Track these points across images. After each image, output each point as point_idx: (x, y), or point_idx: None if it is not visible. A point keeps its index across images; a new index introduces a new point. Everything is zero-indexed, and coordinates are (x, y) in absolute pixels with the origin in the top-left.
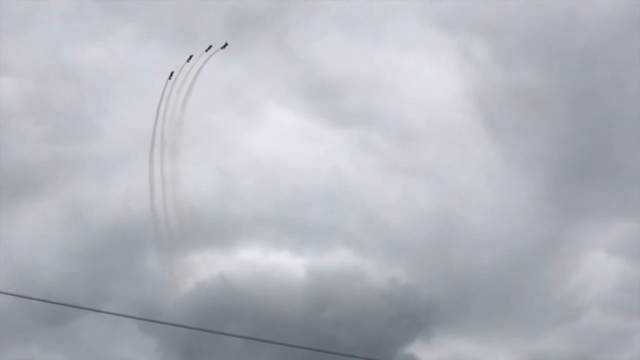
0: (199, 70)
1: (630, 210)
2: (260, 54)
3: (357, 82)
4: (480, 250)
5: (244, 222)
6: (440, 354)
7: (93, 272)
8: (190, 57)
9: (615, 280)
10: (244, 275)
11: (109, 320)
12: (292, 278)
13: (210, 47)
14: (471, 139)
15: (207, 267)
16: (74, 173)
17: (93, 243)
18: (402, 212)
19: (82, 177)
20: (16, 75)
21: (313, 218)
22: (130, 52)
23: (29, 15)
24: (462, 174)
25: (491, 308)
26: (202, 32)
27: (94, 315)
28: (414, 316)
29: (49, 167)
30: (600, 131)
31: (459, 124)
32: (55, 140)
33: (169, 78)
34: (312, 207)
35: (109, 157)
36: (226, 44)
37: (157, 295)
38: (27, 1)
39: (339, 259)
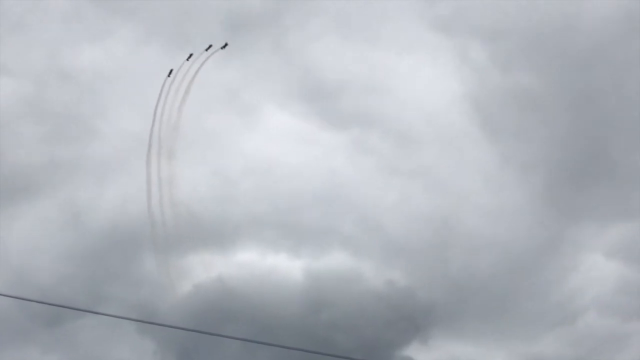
0: (198, 70)
1: (628, 213)
2: (258, 56)
3: (354, 84)
4: (477, 252)
5: (241, 224)
6: (437, 356)
7: (91, 274)
8: (190, 55)
9: (612, 283)
10: (241, 278)
11: (107, 322)
12: (289, 280)
13: (210, 46)
14: (469, 141)
15: (205, 269)
16: (71, 175)
17: (91, 245)
18: (399, 215)
19: (80, 179)
20: (14, 77)
21: (310, 220)
22: (128, 54)
23: (27, 16)
24: (459, 176)
25: (489, 310)
26: (200, 34)
27: (91, 317)
28: (411, 318)
29: (46, 168)
30: (598, 134)
31: (457, 127)
32: (53, 142)
33: (168, 76)
34: (309, 209)
35: (107, 159)
36: (226, 44)
37: (155, 297)
38: (25, 2)
39: (336, 261)
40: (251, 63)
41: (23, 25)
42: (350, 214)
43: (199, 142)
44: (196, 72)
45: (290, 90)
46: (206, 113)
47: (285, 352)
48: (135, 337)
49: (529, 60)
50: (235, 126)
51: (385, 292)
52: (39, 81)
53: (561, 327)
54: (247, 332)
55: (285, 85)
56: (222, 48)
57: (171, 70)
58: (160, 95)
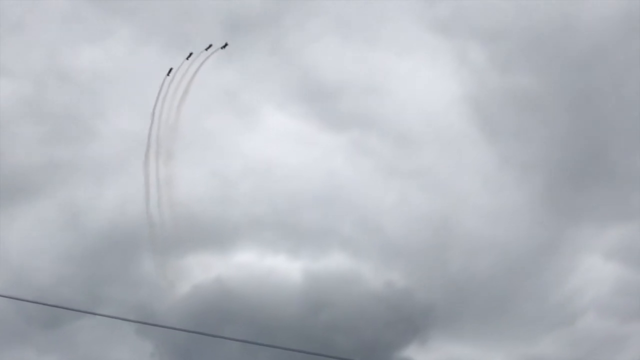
0: (198, 70)
1: (627, 214)
2: (257, 57)
3: (353, 85)
4: (476, 253)
5: (240, 225)
6: (436, 357)
7: (89, 275)
8: (190, 54)
9: (611, 284)
10: (240, 279)
11: (105, 323)
12: (288, 281)
13: (210, 45)
14: (468, 142)
15: (204, 270)
16: (70, 176)
17: (89, 246)
18: (398, 216)
19: (79, 180)
20: (13, 78)
21: (309, 221)
22: (127, 55)
23: (26, 17)
24: (458, 177)
25: (487, 311)
26: (199, 34)
27: (90, 318)
28: (410, 319)
29: (45, 169)
30: (597, 135)
31: (456, 127)
32: (52, 143)
33: (167, 74)
34: (308, 211)
35: (106, 159)
36: (226, 44)
37: (153, 298)
38: (24, 3)
39: (335, 262)
40: (250, 64)
41: (22, 26)
42: (350, 215)
43: (198, 143)
44: (195, 72)
45: (289, 91)
46: (205, 113)
47: (285, 353)
48: (134, 338)
49: (528, 61)
50: (234, 127)
51: (385, 293)
52: (38, 81)
53: (560, 328)
54: (246, 333)
55: (285, 86)
56: (222, 48)
57: (170, 69)
58: (158, 95)
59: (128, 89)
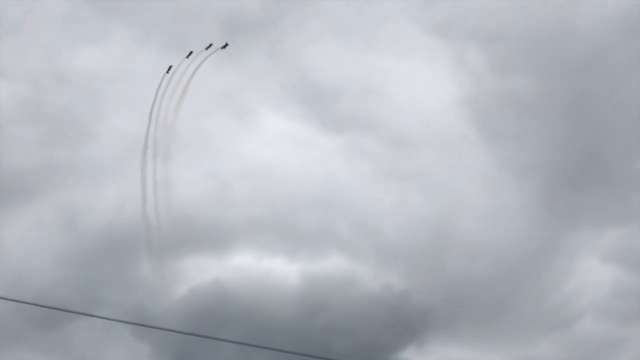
0: (197, 69)
1: (624, 217)
2: (255, 58)
3: (351, 87)
4: (474, 256)
5: (237, 227)
6: None
7: (86, 276)
8: (190, 53)
9: (608, 287)
10: (237, 281)
11: (102, 325)
12: (285, 284)
13: (210, 45)
14: (466, 145)
15: (200, 273)
16: (67, 177)
17: (86, 248)
18: (396, 218)
19: (76, 181)
20: (11, 79)
21: (307, 224)
22: (125, 56)
23: (24, 18)
24: (456, 180)
25: (485, 314)
26: (197, 36)
27: (87, 320)
28: (407, 322)
29: (43, 171)
30: (594, 138)
31: (454, 130)
32: (50, 144)
33: (167, 72)
34: (305, 213)
35: (103, 161)
36: (227, 44)
37: (150, 300)
38: (22, 4)
39: (332, 264)
40: (248, 65)
41: (21, 27)
42: (347, 217)
43: (195, 145)
44: (194, 72)
45: (287, 93)
46: (202, 115)
47: (282, 355)
48: (131, 340)
49: (526, 64)
50: (231, 129)
51: (382, 295)
52: (36, 83)
53: (557, 331)
54: (243, 336)
55: (282, 88)
56: (222, 48)
57: (170, 67)
58: (156, 94)
59: (126, 90)
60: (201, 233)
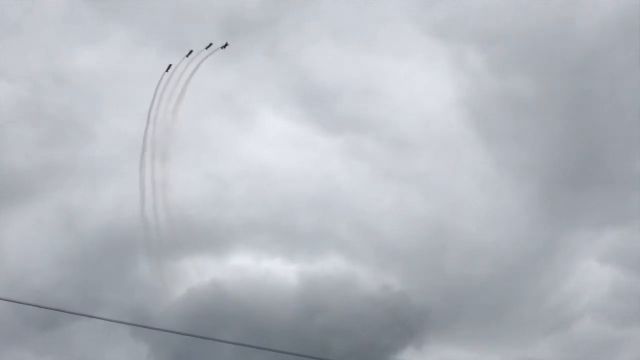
0: (196, 69)
1: (623, 219)
2: (253, 60)
3: (350, 89)
4: (473, 257)
5: (235, 228)
6: None
7: (85, 277)
8: (191, 52)
9: (607, 289)
10: (236, 282)
11: (101, 326)
12: (284, 285)
13: (211, 44)
14: (465, 146)
15: (199, 274)
16: (66, 179)
17: (85, 249)
18: (395, 219)
19: (75, 183)
20: (11, 80)
21: (305, 225)
22: (124, 57)
23: (23, 19)
24: (455, 181)
25: (483, 315)
26: (197, 37)
27: (86, 321)
28: (406, 323)
29: (41, 172)
30: (593, 139)
31: (453, 131)
32: (48, 146)
33: (167, 71)
34: (304, 214)
35: (102, 162)
36: (227, 44)
37: (149, 301)
38: (21, 5)
39: (331, 266)
40: (247, 66)
41: (20, 28)
42: (346, 218)
43: (194, 146)
44: (194, 71)
45: (285, 94)
46: (201, 115)
47: (280, 356)
48: (130, 341)
49: (524, 66)
50: (230, 130)
51: (381, 297)
52: (35, 84)
53: (556, 332)
54: (242, 337)
55: (281, 89)
56: (222, 48)
57: (170, 66)
58: (155, 95)
59: (126, 90)
60: (200, 234)
